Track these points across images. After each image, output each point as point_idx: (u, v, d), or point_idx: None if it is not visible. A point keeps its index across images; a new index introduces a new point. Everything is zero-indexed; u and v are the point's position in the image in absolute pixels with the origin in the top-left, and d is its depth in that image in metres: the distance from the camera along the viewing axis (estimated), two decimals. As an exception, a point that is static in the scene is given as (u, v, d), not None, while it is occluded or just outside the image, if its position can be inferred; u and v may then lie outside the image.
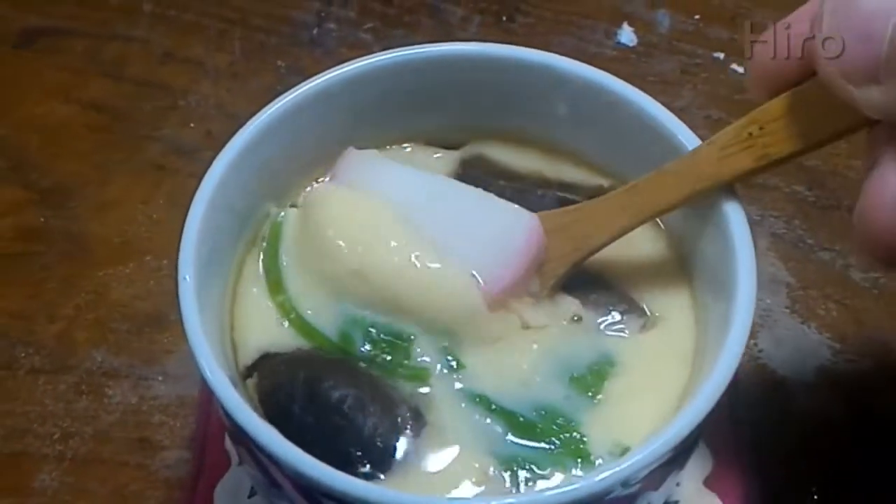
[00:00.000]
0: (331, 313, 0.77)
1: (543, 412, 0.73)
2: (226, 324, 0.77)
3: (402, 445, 0.72)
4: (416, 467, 0.71)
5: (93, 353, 1.00)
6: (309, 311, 0.77)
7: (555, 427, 0.73)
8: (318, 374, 0.74)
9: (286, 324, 0.77)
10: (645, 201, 0.74)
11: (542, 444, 0.72)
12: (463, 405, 0.74)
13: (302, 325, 0.77)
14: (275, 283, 0.79)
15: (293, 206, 0.83)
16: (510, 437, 0.72)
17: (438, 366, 0.75)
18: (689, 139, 0.76)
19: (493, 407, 0.73)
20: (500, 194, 0.80)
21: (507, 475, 0.70)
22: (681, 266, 0.81)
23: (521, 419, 0.73)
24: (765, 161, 0.69)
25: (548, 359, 0.76)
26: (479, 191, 0.80)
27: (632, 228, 0.76)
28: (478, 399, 0.74)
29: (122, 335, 1.02)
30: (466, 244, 0.76)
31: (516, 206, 0.79)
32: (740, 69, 1.21)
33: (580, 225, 0.77)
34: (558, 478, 0.70)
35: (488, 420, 0.73)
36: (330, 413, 0.72)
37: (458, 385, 0.74)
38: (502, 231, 0.77)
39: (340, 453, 0.70)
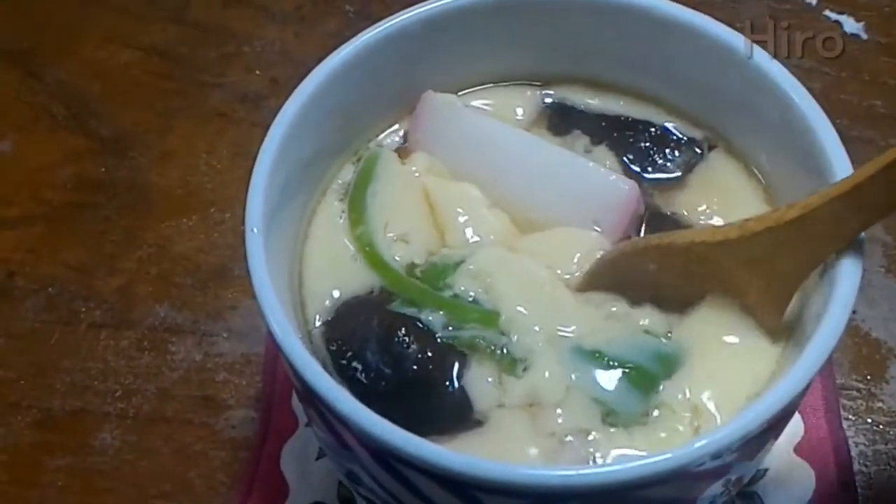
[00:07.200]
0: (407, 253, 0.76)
1: (627, 368, 0.70)
2: (294, 278, 0.75)
3: (473, 404, 0.69)
4: (488, 429, 0.69)
5: (155, 307, 0.99)
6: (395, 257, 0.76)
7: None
8: (394, 325, 0.72)
9: (361, 263, 0.75)
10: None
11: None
12: (558, 355, 0.70)
13: (377, 262, 0.75)
14: (356, 217, 0.77)
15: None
16: (586, 399, 0.69)
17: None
18: (792, 86, 0.73)
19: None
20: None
21: (580, 441, 0.68)
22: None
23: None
24: None
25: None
26: (567, 152, 0.79)
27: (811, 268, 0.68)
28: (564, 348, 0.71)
29: (186, 289, 1.00)
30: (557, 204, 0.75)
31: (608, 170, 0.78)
32: (833, 15, 1.17)
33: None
34: (637, 445, 0.67)
35: (568, 377, 0.70)
36: (402, 364, 0.70)
37: (536, 329, 0.71)
38: (595, 193, 0.76)
39: (410, 408, 0.69)
